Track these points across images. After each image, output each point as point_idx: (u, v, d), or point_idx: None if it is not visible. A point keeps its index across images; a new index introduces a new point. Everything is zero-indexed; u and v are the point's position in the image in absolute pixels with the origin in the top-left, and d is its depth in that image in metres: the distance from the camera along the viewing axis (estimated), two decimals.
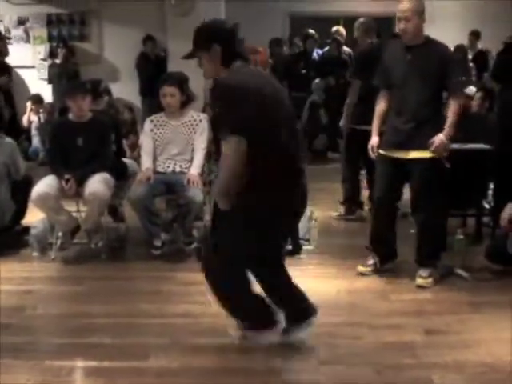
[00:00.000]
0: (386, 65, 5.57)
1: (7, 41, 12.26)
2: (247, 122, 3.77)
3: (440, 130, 5.28)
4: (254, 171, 3.81)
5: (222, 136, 3.80)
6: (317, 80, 11.49)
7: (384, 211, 5.68)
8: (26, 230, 6.77)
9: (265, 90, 3.95)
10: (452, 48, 9.10)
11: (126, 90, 11.92)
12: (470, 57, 12.40)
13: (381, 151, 5.57)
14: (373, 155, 5.65)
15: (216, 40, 3.98)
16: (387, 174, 5.55)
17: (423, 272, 5.51)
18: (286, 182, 3.99)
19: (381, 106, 5.64)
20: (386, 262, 5.78)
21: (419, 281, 5.49)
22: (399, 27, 5.37)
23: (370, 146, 5.66)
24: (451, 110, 5.30)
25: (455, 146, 5.65)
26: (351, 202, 7.70)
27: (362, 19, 7.62)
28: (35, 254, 6.45)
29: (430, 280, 5.49)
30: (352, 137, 7.36)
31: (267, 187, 3.90)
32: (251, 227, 3.92)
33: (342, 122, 7.62)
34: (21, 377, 4.08)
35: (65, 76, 12.01)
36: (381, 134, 5.63)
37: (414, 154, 5.35)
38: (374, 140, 5.63)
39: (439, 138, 5.26)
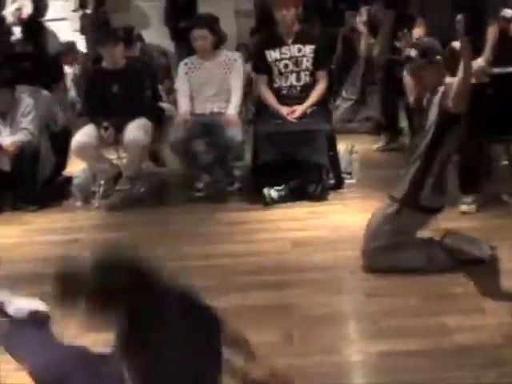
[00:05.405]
0: None
1: None
2: None
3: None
4: None
5: None
6: (349, 12, 11.26)
7: None
8: (68, 180, 6.83)
9: None
10: None
11: (157, 35, 11.82)
12: None
13: None
14: None
15: None
16: None
17: (467, 198, 5.46)
18: None
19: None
20: None
21: (463, 207, 5.45)
22: None
23: None
24: (489, 34, 5.17)
25: (497, 69, 5.52)
26: (391, 130, 7.69)
27: None
28: (78, 203, 6.49)
29: (473, 206, 5.44)
30: (388, 66, 7.30)
31: None
32: None
33: (376, 52, 7.60)
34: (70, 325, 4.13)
35: (96, 25, 11.95)
36: None
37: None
38: None
39: (477, 63, 5.12)
